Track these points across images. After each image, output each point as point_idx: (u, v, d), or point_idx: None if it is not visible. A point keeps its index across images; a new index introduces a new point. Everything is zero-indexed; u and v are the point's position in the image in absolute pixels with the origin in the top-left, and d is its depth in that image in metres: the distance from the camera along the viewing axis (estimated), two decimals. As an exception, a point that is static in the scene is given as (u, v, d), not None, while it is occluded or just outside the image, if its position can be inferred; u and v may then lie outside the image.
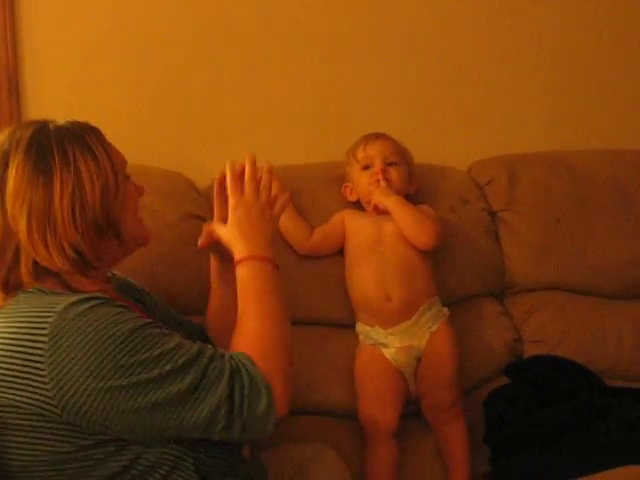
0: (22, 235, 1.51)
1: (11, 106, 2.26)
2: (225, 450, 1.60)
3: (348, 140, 2.31)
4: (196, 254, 2.04)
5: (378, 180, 2.20)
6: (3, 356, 1.47)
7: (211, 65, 2.43)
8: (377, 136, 2.27)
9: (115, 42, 2.36)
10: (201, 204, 2.22)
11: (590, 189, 2.48)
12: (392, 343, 2.13)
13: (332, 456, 1.94)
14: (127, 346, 1.43)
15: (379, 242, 2.19)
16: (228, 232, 1.69)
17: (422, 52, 2.58)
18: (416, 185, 2.31)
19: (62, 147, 1.55)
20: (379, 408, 2.11)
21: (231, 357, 1.52)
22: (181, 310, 2.06)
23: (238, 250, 1.65)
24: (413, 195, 2.29)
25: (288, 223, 2.20)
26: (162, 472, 1.51)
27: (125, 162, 1.66)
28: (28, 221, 1.51)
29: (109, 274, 1.77)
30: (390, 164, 2.23)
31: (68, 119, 1.63)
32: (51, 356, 1.42)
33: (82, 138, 1.58)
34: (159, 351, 1.45)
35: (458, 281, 2.34)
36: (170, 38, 2.40)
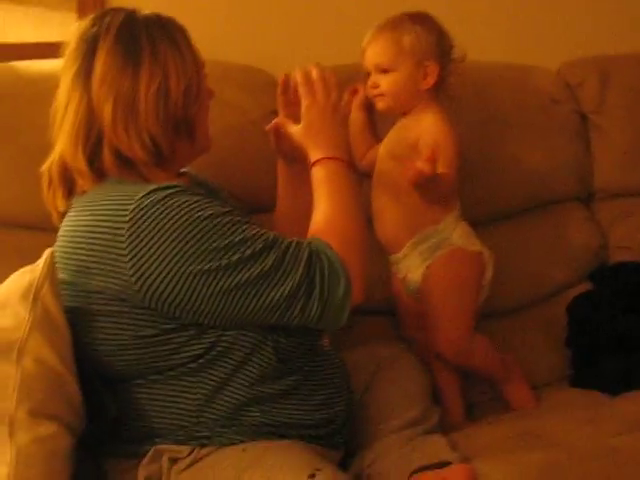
0: (106, 120, 1.53)
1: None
2: (305, 337, 1.62)
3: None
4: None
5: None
6: (87, 242, 1.50)
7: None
8: (370, 36, 1.95)
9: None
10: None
11: (686, 91, 2.38)
12: (397, 272, 2.03)
13: (410, 357, 1.94)
14: (209, 232, 1.45)
15: (382, 157, 1.99)
16: (301, 133, 1.68)
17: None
18: (435, 75, 1.91)
19: (152, 39, 1.56)
20: (414, 333, 2.06)
21: (309, 242, 1.53)
22: (263, 205, 2.07)
23: (314, 151, 1.65)
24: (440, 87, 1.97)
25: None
26: (242, 354, 1.53)
27: (204, 63, 1.66)
28: (114, 107, 1.53)
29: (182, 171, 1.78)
30: (381, 71, 1.93)
31: (155, 12, 1.62)
32: (133, 242, 1.44)
33: (171, 33, 1.59)
34: (240, 237, 1.47)
35: (544, 183, 2.29)
36: None
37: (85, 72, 1.55)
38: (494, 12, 2.51)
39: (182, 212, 1.45)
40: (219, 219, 1.47)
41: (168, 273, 1.44)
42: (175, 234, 1.44)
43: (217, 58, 2.17)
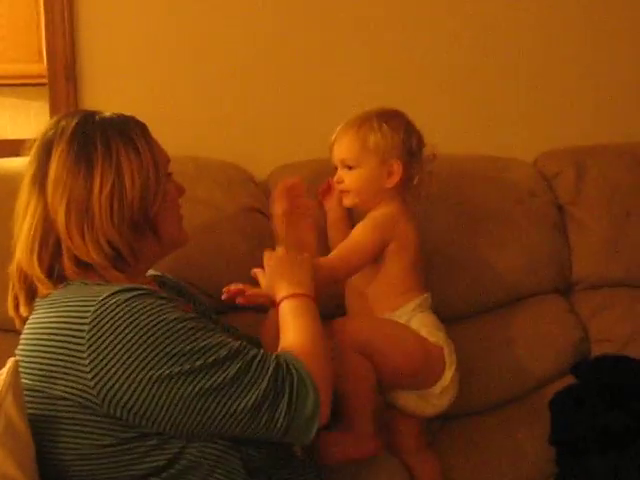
0: (61, 225, 1.51)
1: (68, 94, 2.26)
2: (276, 447, 1.56)
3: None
4: (252, 248, 2.03)
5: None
6: (49, 346, 1.46)
7: (268, 59, 2.38)
8: (338, 132, 1.96)
9: (173, 32, 2.33)
10: (258, 196, 2.17)
11: (662, 182, 2.38)
12: None
13: (391, 461, 1.90)
14: (171, 336, 1.41)
15: None
16: (266, 285, 1.68)
17: (487, 38, 2.51)
18: (399, 174, 1.89)
19: (106, 140, 1.54)
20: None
21: (277, 355, 1.50)
22: (234, 303, 2.03)
23: (278, 293, 1.64)
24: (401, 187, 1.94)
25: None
26: (207, 467, 1.47)
27: (168, 160, 1.65)
28: (67, 212, 1.51)
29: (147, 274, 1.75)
30: (347, 167, 1.93)
31: (115, 112, 1.61)
32: (92, 344, 1.40)
33: (126, 132, 1.56)
34: (204, 343, 1.43)
35: (523, 276, 2.26)
36: (228, 31, 2.35)
37: (41, 176, 1.53)
38: (469, 104, 2.52)
39: (144, 315, 1.41)
40: (183, 324, 1.43)
41: (127, 378, 1.39)
42: (136, 337, 1.40)
43: (192, 154, 2.17)
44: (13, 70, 4.82)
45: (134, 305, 1.42)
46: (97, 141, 1.53)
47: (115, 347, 1.39)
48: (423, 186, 1.95)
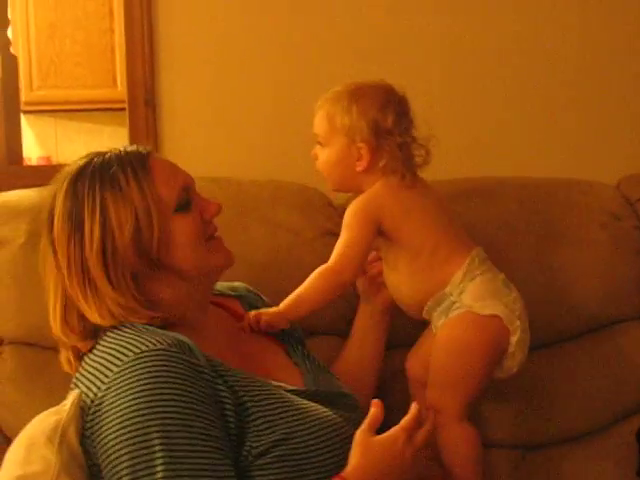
0: (68, 288, 1.49)
1: (147, 119, 2.29)
2: None
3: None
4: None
5: None
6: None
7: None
8: (317, 105, 1.88)
9: (252, 58, 2.35)
10: (337, 220, 2.14)
11: None
12: None
13: None
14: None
15: None
16: (363, 444, 1.49)
17: (573, 58, 2.49)
18: (367, 158, 1.79)
19: (93, 191, 1.47)
20: (412, 355, 1.94)
21: None
22: (316, 328, 2.04)
23: (352, 467, 1.46)
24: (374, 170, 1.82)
25: None
26: None
27: (182, 186, 1.54)
28: (69, 274, 1.48)
29: (240, 292, 1.76)
30: (319, 144, 1.87)
31: (124, 148, 1.55)
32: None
33: (115, 175, 1.48)
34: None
35: (606, 303, 2.19)
36: (307, 57, 2.37)
37: (49, 233, 1.53)
38: (550, 126, 2.49)
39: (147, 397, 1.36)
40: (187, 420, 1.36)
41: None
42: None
43: (271, 177, 2.17)
44: (88, 95, 4.92)
45: (126, 404, 1.36)
46: (85, 192, 1.48)
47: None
48: (424, 160, 1.83)
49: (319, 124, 1.84)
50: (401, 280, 1.85)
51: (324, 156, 1.84)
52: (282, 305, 1.74)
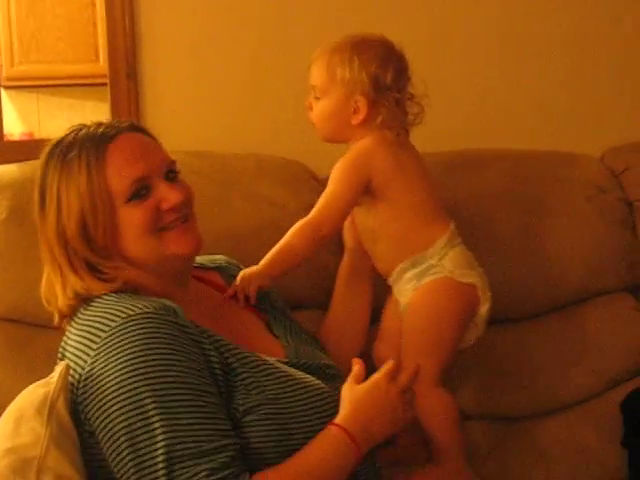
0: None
1: (129, 92, 2.26)
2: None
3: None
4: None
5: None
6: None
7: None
8: (315, 54, 1.84)
9: (234, 31, 2.33)
10: (321, 194, 2.14)
11: None
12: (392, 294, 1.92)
13: None
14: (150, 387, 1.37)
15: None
16: (350, 394, 1.57)
17: (555, 33, 2.48)
18: (364, 111, 1.78)
19: (53, 174, 1.51)
20: (383, 347, 1.92)
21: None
22: (299, 302, 2.04)
23: (343, 415, 1.53)
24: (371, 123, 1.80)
25: None
26: None
27: (139, 176, 1.51)
28: (43, 249, 1.54)
29: (219, 264, 1.78)
30: (314, 96, 1.84)
31: (95, 124, 1.55)
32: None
33: (71, 161, 1.50)
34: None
35: (591, 275, 2.21)
36: (288, 31, 2.35)
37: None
38: (536, 100, 2.48)
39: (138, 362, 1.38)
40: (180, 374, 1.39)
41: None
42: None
43: (254, 150, 2.16)
44: (70, 70, 4.88)
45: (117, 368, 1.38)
46: (50, 173, 1.51)
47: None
48: (417, 118, 1.83)
49: (317, 75, 1.82)
50: (380, 237, 1.84)
51: (319, 107, 1.83)
52: (262, 263, 1.75)
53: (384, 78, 1.78)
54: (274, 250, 1.76)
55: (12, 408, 1.45)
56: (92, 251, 1.50)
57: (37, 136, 5.15)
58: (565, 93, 2.49)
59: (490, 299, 1.83)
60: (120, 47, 2.25)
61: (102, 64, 4.72)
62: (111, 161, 1.50)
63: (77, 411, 1.42)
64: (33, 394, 1.43)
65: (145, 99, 2.27)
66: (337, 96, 1.79)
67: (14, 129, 4.97)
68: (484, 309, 1.82)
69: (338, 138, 1.86)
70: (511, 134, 2.41)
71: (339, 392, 1.58)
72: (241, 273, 1.74)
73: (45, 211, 1.51)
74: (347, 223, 1.92)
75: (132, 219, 1.51)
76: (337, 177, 1.80)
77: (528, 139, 2.41)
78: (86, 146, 1.50)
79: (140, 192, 1.51)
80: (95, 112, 4.90)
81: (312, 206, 2.04)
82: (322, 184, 2.17)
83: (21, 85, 4.90)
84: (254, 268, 1.75)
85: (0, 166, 2.02)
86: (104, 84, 2.36)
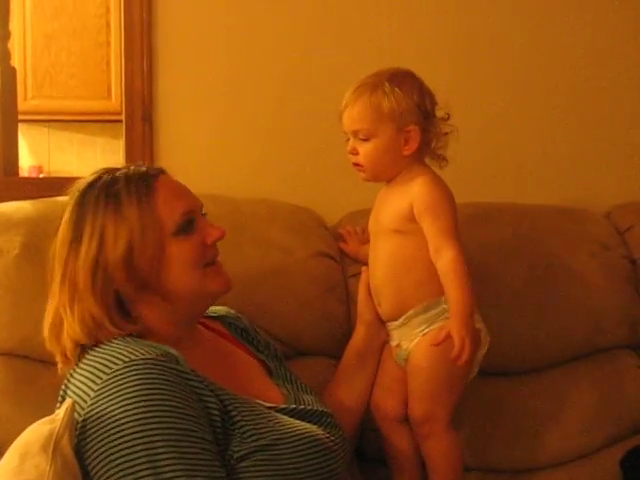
0: (58, 305, 1.52)
1: (144, 133, 2.29)
2: None
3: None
4: (324, 293, 2.02)
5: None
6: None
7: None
8: (348, 99, 1.82)
9: (252, 78, 2.36)
10: (330, 242, 2.16)
11: None
12: (391, 339, 1.91)
13: None
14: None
15: (376, 230, 1.89)
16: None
17: (562, 86, 2.51)
18: (417, 140, 1.79)
19: (96, 205, 1.51)
20: (382, 395, 1.91)
21: None
22: (307, 350, 2.05)
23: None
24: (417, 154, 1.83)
25: None
26: None
27: (186, 210, 1.55)
28: (61, 287, 1.52)
29: (221, 314, 1.77)
30: (360, 138, 1.81)
31: (135, 166, 1.58)
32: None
33: (118, 194, 1.51)
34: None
35: (594, 331, 2.21)
36: (304, 79, 2.38)
37: (53, 250, 1.56)
38: (545, 156, 2.51)
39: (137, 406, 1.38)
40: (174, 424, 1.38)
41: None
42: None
43: (265, 196, 2.18)
44: (82, 106, 4.93)
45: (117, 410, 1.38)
46: (89, 206, 1.51)
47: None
48: (442, 147, 1.84)
49: (360, 117, 1.79)
50: (415, 266, 1.81)
51: (369, 148, 1.80)
52: (457, 311, 1.70)
53: (425, 105, 1.80)
54: (462, 292, 1.72)
55: (18, 444, 1.44)
56: (131, 281, 1.50)
57: (46, 169, 5.20)
58: (573, 150, 2.52)
59: (488, 343, 1.85)
60: (137, 89, 2.27)
61: (114, 101, 4.80)
62: (160, 194, 1.53)
63: (77, 449, 1.43)
64: (38, 430, 1.43)
65: (159, 141, 2.30)
66: (389, 131, 1.78)
67: (24, 162, 5.02)
68: (482, 352, 1.84)
69: (389, 173, 1.85)
70: (520, 188, 2.44)
71: (336, 440, 1.60)
72: (446, 330, 1.70)
73: (81, 243, 1.49)
74: (364, 296, 1.92)
75: (182, 252, 1.53)
76: (442, 210, 1.77)
77: (536, 194, 2.43)
78: (133, 180, 1.53)
79: (187, 226, 1.54)
80: (105, 148, 4.96)
81: (320, 253, 2.08)
82: (330, 232, 2.20)
83: (33, 119, 4.94)
84: (458, 321, 1.69)
85: (14, 202, 2.03)
86: (115, 121, 2.39)
